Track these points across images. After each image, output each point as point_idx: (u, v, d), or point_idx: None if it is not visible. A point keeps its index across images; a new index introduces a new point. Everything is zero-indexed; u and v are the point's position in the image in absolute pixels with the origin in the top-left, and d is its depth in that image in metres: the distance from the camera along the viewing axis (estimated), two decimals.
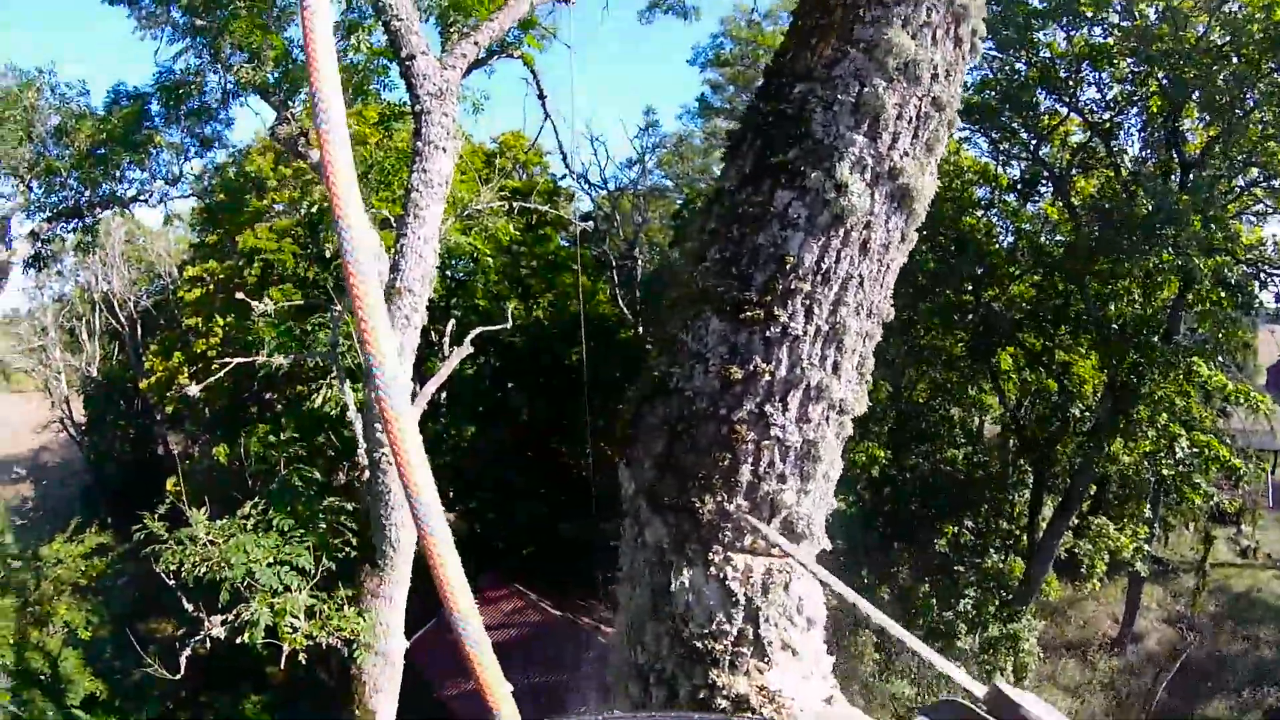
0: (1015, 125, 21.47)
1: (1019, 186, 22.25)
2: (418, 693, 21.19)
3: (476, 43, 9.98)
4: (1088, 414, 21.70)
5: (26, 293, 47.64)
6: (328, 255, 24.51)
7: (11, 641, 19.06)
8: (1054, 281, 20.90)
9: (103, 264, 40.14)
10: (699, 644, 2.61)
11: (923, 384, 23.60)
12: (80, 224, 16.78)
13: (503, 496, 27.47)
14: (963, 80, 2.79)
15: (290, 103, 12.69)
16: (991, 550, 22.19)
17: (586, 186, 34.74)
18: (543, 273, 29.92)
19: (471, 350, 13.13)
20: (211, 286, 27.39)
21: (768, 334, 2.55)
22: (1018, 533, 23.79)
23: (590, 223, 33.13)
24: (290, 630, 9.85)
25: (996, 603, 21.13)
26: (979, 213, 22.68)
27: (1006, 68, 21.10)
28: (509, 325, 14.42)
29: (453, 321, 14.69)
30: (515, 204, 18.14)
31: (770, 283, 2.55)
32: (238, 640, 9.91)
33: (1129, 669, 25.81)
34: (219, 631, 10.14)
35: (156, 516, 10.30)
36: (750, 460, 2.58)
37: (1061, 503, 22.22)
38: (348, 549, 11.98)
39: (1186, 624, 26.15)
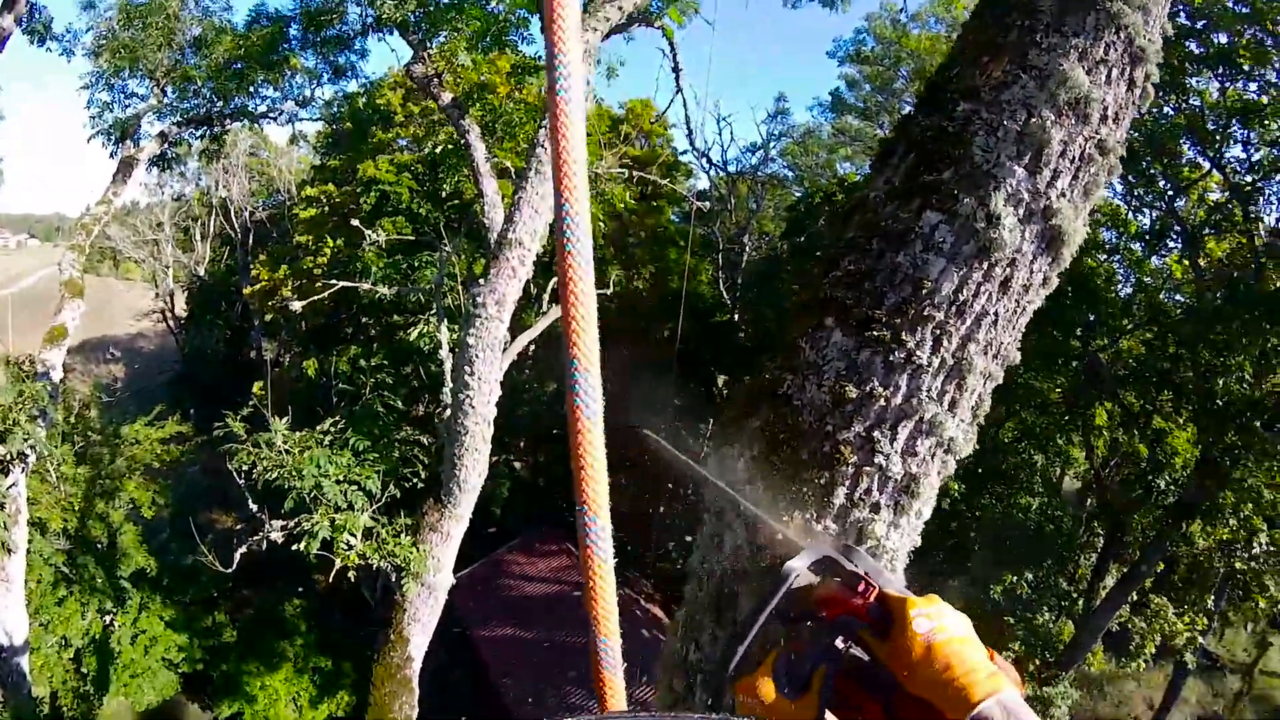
0: (1153, 172, 20.29)
1: (1147, 236, 20.96)
2: (451, 628, 21.68)
3: (620, 7, 9.92)
4: (1173, 488, 20.65)
5: (148, 189, 50.00)
6: (443, 195, 24.91)
7: (77, 509, 19.90)
8: (1166, 343, 19.82)
9: (225, 171, 41.78)
10: None
11: (1011, 423, 22.65)
12: (209, 132, 17.25)
13: None
14: (1128, 126, 2.62)
15: (428, 43, 12.80)
16: (1046, 608, 21.28)
17: (706, 165, 34.45)
18: (649, 244, 29.92)
19: None
20: (327, 208, 28.19)
21: (890, 358, 2.41)
22: (1075, 595, 22.86)
23: (705, 202, 32.89)
24: (345, 547, 10.16)
25: (1038, 661, 20.41)
26: (1101, 256, 21.54)
27: (1154, 110, 19.76)
28: (608, 291, 14.30)
29: (555, 279, 14.74)
30: (634, 172, 18.01)
31: (903, 305, 2.42)
32: (293, 547, 10.26)
33: None
34: (277, 536, 10.53)
35: (239, 417, 10.71)
36: (848, 484, 2.44)
37: (1126, 574, 21.12)
38: (415, 479, 12.29)
39: None
